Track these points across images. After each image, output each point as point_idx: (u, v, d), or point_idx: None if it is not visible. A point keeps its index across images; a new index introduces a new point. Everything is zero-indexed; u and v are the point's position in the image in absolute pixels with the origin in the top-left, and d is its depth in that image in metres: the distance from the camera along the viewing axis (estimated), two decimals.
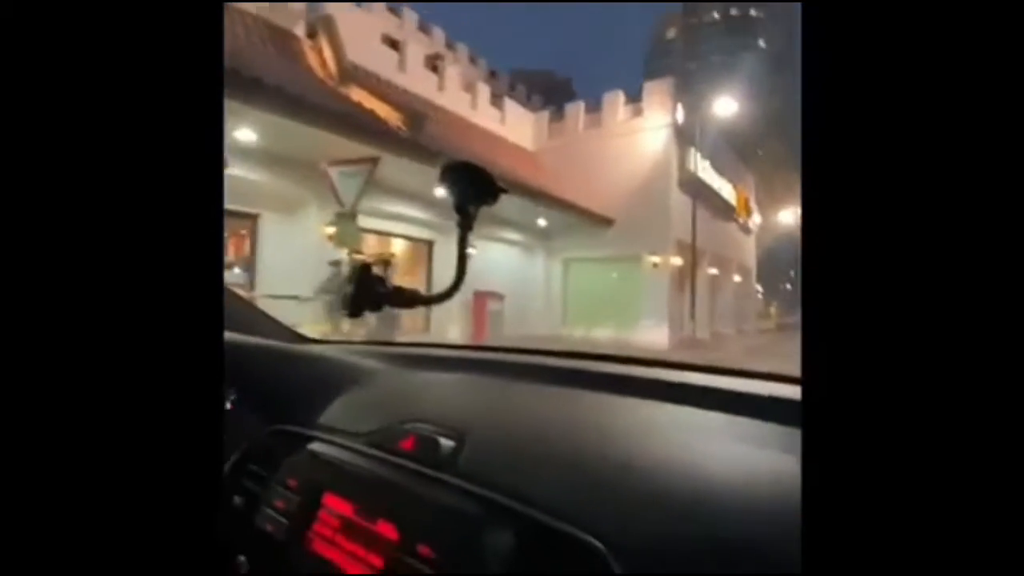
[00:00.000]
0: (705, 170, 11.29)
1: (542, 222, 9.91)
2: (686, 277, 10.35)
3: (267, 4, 6.93)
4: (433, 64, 9.75)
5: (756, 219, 16.90)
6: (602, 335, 9.65)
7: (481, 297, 8.92)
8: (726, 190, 12.95)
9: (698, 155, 10.54)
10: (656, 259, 9.65)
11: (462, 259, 0.51)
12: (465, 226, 0.51)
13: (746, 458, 0.42)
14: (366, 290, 0.49)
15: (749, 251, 17.00)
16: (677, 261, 9.82)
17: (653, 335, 9.43)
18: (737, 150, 15.56)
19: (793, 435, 0.41)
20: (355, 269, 0.50)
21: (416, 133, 5.99)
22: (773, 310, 15.86)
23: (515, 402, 0.62)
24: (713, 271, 12.80)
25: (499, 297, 9.17)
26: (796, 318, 14.41)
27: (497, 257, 9.71)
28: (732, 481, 0.39)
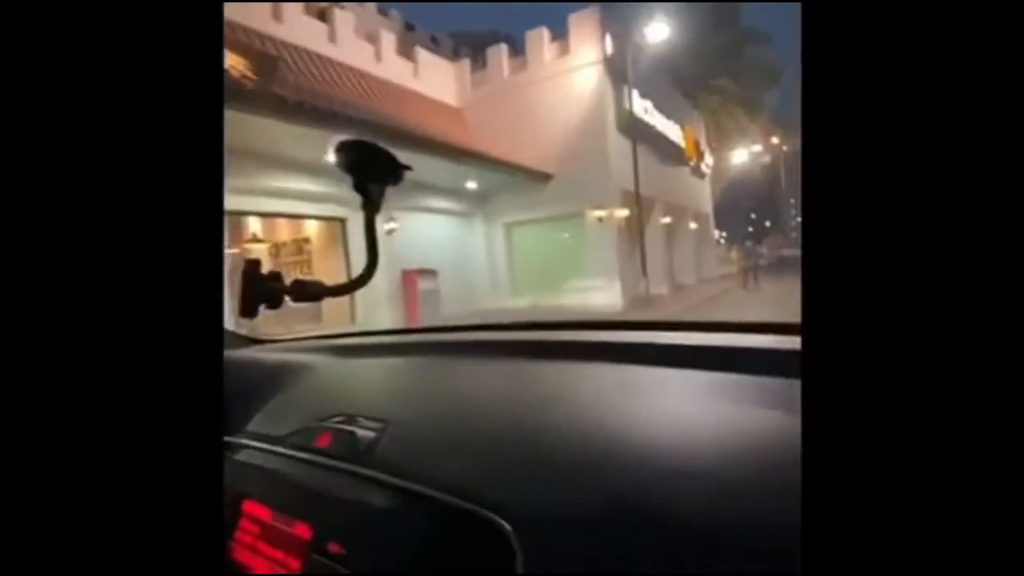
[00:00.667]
0: (647, 111, 10.34)
1: (472, 185, 8.91)
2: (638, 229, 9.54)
3: None
4: (322, 13, 8.40)
5: (709, 161, 16.23)
6: (551, 302, 8.82)
7: (409, 276, 7.99)
8: (673, 132, 12.08)
9: (635, 93, 9.54)
10: (601, 213, 8.76)
11: (371, 243, 0.50)
12: (370, 208, 0.48)
13: (691, 415, 0.42)
14: (257, 287, 0.45)
15: (704, 196, 16.36)
16: (623, 213, 8.96)
17: (604, 296, 8.64)
18: (683, 89, 14.66)
19: (746, 384, 0.42)
20: (244, 266, 0.46)
21: (267, 81, 4.84)
22: (734, 254, 15.45)
23: (445, 383, 0.62)
24: (667, 220, 12.04)
25: (431, 274, 8.26)
26: (759, 259, 14.01)
27: (428, 229, 8.71)
28: (676, 441, 0.39)
